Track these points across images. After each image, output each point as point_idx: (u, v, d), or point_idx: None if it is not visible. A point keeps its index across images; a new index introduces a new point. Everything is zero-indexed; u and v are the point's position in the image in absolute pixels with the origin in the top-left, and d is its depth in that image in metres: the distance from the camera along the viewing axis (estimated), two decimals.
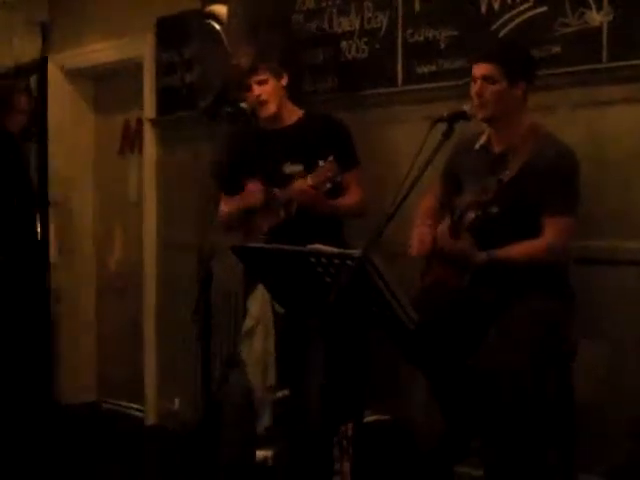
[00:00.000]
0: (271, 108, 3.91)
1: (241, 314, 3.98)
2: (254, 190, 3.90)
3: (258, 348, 3.84)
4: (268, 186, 3.86)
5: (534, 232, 3.30)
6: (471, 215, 3.23)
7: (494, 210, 3.23)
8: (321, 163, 3.61)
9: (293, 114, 4.01)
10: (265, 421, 3.88)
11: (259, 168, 3.96)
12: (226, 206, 3.99)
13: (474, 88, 3.36)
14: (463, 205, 3.27)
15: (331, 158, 3.60)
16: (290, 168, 3.89)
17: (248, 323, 3.89)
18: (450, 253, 3.27)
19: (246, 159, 3.98)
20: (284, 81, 3.94)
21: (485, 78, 3.33)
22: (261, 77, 3.88)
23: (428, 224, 3.47)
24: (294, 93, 4.16)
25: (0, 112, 4.83)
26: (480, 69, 3.35)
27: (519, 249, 3.27)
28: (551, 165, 3.27)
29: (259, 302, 3.84)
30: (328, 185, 3.63)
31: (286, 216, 3.80)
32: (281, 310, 3.73)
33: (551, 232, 3.28)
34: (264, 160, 3.95)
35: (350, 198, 3.90)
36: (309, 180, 3.65)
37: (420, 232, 3.44)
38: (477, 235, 3.26)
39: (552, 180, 3.26)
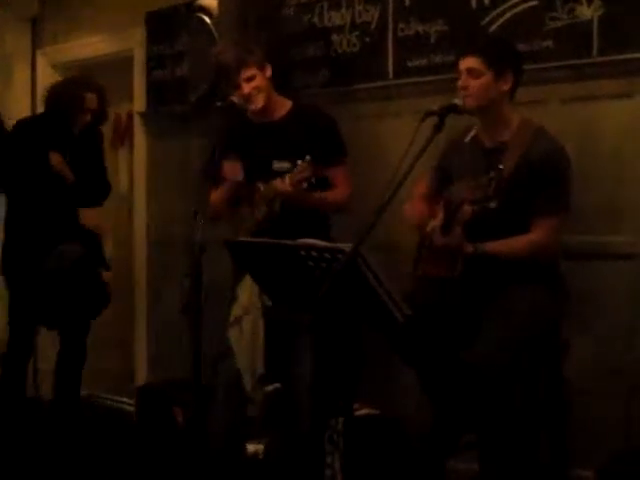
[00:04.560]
0: (260, 101, 3.89)
1: (230, 303, 3.97)
2: (233, 167, 3.92)
3: (247, 336, 3.84)
4: (253, 181, 3.87)
5: (529, 227, 3.32)
6: (467, 209, 3.23)
7: (492, 205, 3.23)
8: (299, 162, 3.61)
9: (282, 106, 3.99)
10: (256, 411, 3.89)
11: (249, 164, 3.96)
12: (214, 195, 3.99)
13: (460, 81, 3.37)
14: (458, 199, 3.26)
15: (308, 158, 3.59)
16: (278, 165, 3.89)
17: (236, 311, 3.88)
18: (441, 247, 3.28)
19: (236, 154, 3.97)
20: (268, 72, 3.92)
21: (469, 71, 3.34)
22: (249, 73, 3.86)
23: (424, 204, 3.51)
24: (283, 87, 4.15)
25: (70, 112, 4.74)
26: (465, 63, 3.36)
27: (506, 244, 3.28)
28: (542, 165, 3.27)
29: (248, 291, 3.84)
30: (304, 185, 3.62)
31: (269, 212, 3.80)
32: (268, 303, 3.74)
33: (539, 231, 3.30)
34: (254, 156, 3.95)
35: (336, 193, 3.89)
36: (287, 179, 3.64)
37: (419, 207, 3.48)
38: (474, 229, 3.26)
39: (542, 180, 3.27)
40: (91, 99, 4.74)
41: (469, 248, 3.24)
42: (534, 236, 3.30)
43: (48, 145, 4.73)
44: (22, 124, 4.94)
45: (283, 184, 3.66)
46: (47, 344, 5.50)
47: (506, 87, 3.36)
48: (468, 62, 3.34)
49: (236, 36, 4.41)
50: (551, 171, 3.28)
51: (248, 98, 3.87)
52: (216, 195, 3.98)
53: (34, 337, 4.89)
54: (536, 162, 3.27)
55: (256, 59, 3.89)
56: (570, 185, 3.34)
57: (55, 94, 4.84)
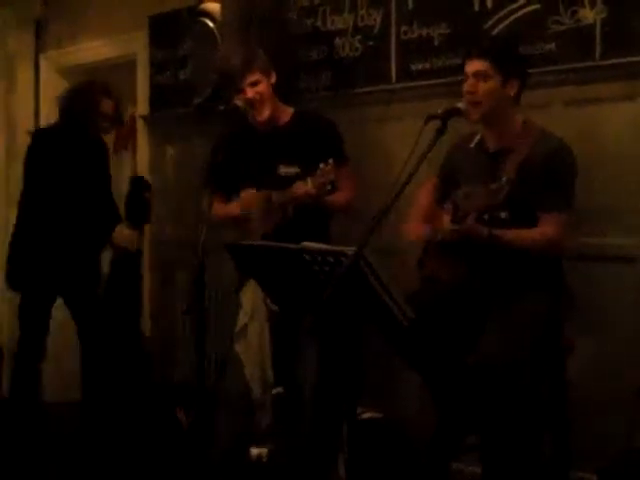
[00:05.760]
0: (266, 111, 3.90)
1: (235, 310, 3.97)
2: (250, 198, 3.90)
3: (254, 345, 3.84)
4: (264, 190, 3.86)
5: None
6: (475, 217, 3.21)
7: (503, 215, 3.24)
8: (321, 166, 3.61)
9: (284, 113, 4.00)
10: (266, 418, 3.89)
11: (253, 170, 3.96)
12: (221, 209, 3.99)
13: (466, 85, 3.34)
14: (467, 206, 3.25)
15: (331, 161, 3.60)
16: (285, 170, 3.89)
17: (242, 320, 3.89)
18: (456, 235, 3.23)
19: (240, 160, 3.97)
20: (273, 79, 3.93)
21: (477, 75, 3.31)
22: (253, 78, 3.87)
23: (422, 222, 3.49)
24: (287, 91, 4.16)
25: (86, 116, 4.64)
26: (473, 66, 3.33)
27: (518, 233, 3.27)
28: (547, 161, 3.27)
29: (251, 296, 3.84)
30: (328, 187, 3.64)
31: (283, 219, 3.80)
32: (274, 307, 3.74)
33: (548, 227, 3.28)
34: (258, 162, 3.95)
35: (341, 195, 3.90)
36: (310, 183, 3.64)
37: (416, 225, 3.46)
38: None
39: (548, 178, 3.26)
40: (107, 104, 4.68)
41: (485, 231, 3.19)
42: (546, 230, 3.29)
43: (68, 156, 4.65)
44: (40, 135, 4.88)
45: (306, 187, 3.66)
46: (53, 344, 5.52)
47: (512, 92, 3.34)
48: (476, 65, 3.32)
49: (240, 40, 4.41)
50: (557, 168, 3.28)
51: (252, 103, 3.88)
52: (222, 210, 3.98)
53: (46, 338, 4.87)
54: (540, 162, 3.27)
55: (261, 64, 3.89)
56: (575, 184, 3.34)
57: (69, 99, 4.74)
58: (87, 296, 4.83)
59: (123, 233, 4.71)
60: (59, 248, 4.64)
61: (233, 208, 3.97)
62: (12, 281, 4.82)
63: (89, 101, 4.65)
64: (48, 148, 4.71)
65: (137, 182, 5.03)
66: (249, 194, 3.89)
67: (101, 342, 4.87)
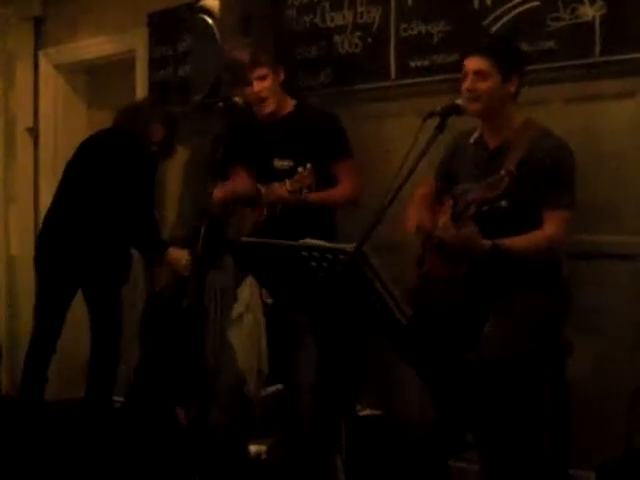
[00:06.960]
0: (271, 105, 3.94)
1: (231, 304, 3.98)
2: (243, 182, 3.92)
3: (247, 334, 3.85)
4: (255, 183, 3.88)
5: (538, 224, 3.30)
6: (474, 209, 3.21)
7: (504, 204, 3.22)
8: (299, 169, 3.62)
9: (287, 106, 4.03)
10: (260, 411, 3.90)
11: (251, 161, 3.97)
12: (219, 192, 4.00)
13: (465, 83, 3.34)
14: (466, 200, 3.24)
15: (309, 166, 3.61)
16: (279, 163, 3.91)
17: (237, 309, 3.90)
18: (454, 242, 3.22)
19: (238, 153, 3.99)
20: (281, 76, 3.97)
21: (477, 73, 3.31)
22: (261, 72, 3.90)
23: (424, 208, 3.49)
24: (287, 87, 4.16)
25: (131, 136, 4.58)
26: (473, 63, 3.33)
27: (522, 240, 3.26)
28: (550, 161, 3.27)
29: (249, 289, 3.85)
30: (305, 191, 3.65)
31: (270, 214, 3.81)
32: (268, 300, 3.75)
33: (551, 225, 3.28)
34: (256, 154, 3.97)
35: (341, 189, 3.91)
36: (287, 185, 3.66)
37: (417, 213, 3.45)
38: (483, 229, 3.22)
39: (550, 174, 3.26)
40: (157, 130, 4.63)
41: (487, 244, 3.19)
42: (549, 230, 3.28)
43: (112, 163, 4.63)
44: (91, 139, 4.86)
45: (281, 190, 3.68)
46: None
47: (512, 89, 3.34)
48: (476, 63, 3.31)
49: (240, 36, 4.42)
50: (560, 166, 3.28)
51: (258, 99, 3.89)
52: (220, 191, 3.99)
53: (57, 339, 4.88)
54: (543, 160, 3.26)
55: (270, 60, 3.92)
56: (575, 181, 3.33)
57: (122, 115, 4.71)
58: (108, 292, 4.86)
59: (183, 257, 4.61)
60: (88, 243, 4.66)
61: (229, 187, 4.00)
62: (39, 266, 4.82)
63: (138, 122, 4.61)
64: (95, 152, 4.73)
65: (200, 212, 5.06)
66: (243, 178, 3.91)
67: (113, 339, 4.90)
